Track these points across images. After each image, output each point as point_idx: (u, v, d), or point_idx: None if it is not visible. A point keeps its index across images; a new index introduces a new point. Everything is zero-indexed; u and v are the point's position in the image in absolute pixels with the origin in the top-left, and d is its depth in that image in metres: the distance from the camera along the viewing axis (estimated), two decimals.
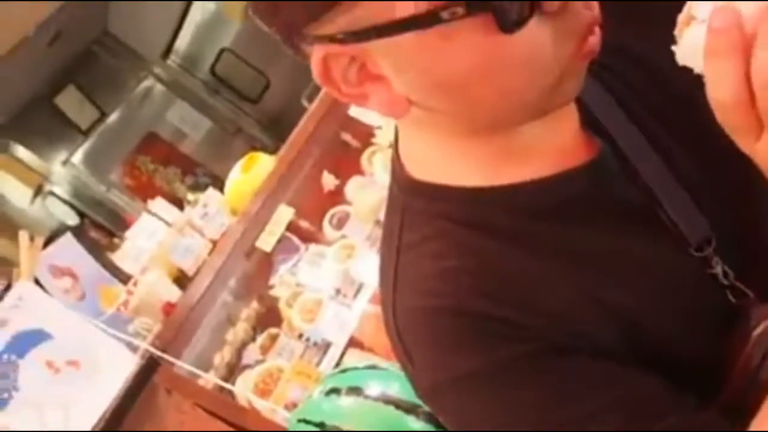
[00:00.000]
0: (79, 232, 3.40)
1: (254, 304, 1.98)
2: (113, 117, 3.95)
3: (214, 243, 1.95)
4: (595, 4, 0.53)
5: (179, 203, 2.22)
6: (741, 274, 0.59)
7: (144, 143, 3.97)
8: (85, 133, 3.90)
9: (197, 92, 4.01)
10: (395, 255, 0.62)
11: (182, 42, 3.96)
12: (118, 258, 1.97)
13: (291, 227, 1.94)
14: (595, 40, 0.53)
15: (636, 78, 0.63)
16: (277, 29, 0.53)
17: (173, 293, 1.86)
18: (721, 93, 0.43)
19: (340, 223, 1.99)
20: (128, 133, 3.96)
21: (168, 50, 3.97)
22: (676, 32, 0.47)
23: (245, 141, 3.94)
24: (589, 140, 0.62)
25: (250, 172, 2.01)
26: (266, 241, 1.85)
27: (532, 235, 0.58)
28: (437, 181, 0.61)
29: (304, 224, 2.06)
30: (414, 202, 0.62)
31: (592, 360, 0.55)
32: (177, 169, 4.06)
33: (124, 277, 1.93)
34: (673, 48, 0.46)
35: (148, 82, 4.00)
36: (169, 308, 1.83)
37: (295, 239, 2.00)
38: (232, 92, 3.99)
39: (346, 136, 2.15)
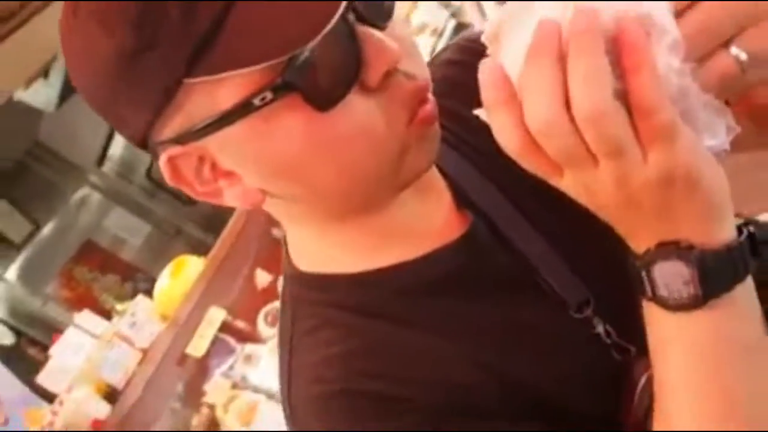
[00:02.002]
0: (12, 352, 3.25)
1: (190, 414, 1.90)
2: (48, 228, 3.87)
3: (145, 352, 1.88)
4: (423, 74, 0.55)
5: (109, 314, 2.15)
6: (621, 330, 0.61)
7: (81, 253, 3.88)
8: (19, 248, 3.80)
9: (134, 197, 3.98)
10: (288, 349, 0.63)
11: (116, 148, 3.95)
12: (43, 377, 1.88)
13: (225, 328, 1.90)
14: (429, 107, 0.55)
15: (482, 144, 0.65)
16: (130, 139, 0.55)
17: (102, 410, 1.77)
18: (506, 144, 0.44)
19: (275, 320, 1.95)
20: (64, 243, 3.88)
21: (102, 157, 3.96)
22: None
23: (186, 242, 3.90)
24: (461, 215, 0.64)
25: (179, 276, 1.98)
26: (197, 346, 1.80)
27: (417, 313, 0.60)
28: (321, 270, 0.62)
29: (238, 324, 2.02)
30: (303, 295, 0.64)
31: (486, 424, 0.56)
32: (116, 276, 3.97)
33: (50, 397, 1.84)
34: (476, 111, 0.47)
35: (83, 191, 3.95)
36: (97, 425, 1.74)
37: (230, 340, 1.95)
38: (169, 195, 3.97)
39: (277, 232, 2.13)
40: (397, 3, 0.55)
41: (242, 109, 0.49)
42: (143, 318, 1.93)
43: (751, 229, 0.48)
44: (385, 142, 0.53)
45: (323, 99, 0.50)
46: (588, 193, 0.45)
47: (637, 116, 0.41)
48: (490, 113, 0.44)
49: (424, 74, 0.56)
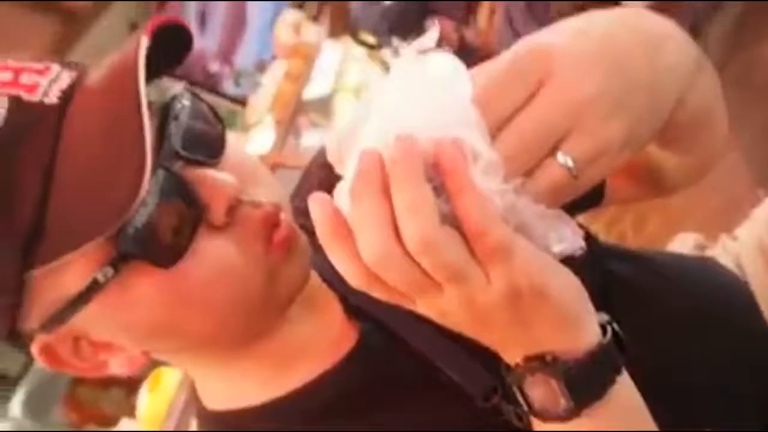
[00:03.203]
0: None
1: None
2: None
3: None
4: (271, 196, 0.54)
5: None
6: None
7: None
8: (16, 382, 3.73)
9: None
10: None
11: None
12: None
13: None
14: (282, 231, 0.54)
15: None
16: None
17: None
18: (348, 278, 0.43)
19: None
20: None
21: None
22: None
23: None
24: (353, 324, 0.62)
25: (158, 390, 1.97)
26: None
27: None
28: (229, 407, 0.62)
29: None
30: None
31: None
32: (120, 390, 3.90)
33: None
34: None
35: None
36: None
37: None
38: None
39: None
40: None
41: (90, 289, 0.49)
42: None
43: (615, 326, 0.47)
44: (246, 276, 0.53)
45: (167, 256, 0.50)
46: (441, 314, 0.45)
47: (470, 238, 0.40)
48: (326, 249, 0.43)
49: (272, 196, 0.55)
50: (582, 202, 0.49)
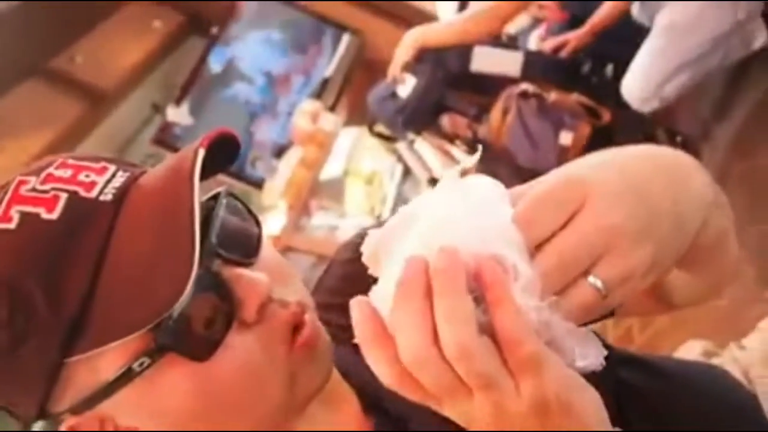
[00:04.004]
0: None
1: None
2: None
3: None
4: (297, 296, 0.56)
5: None
6: None
7: None
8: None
9: None
10: None
11: None
12: None
13: None
14: (306, 331, 0.55)
15: None
16: (26, 418, 0.55)
17: None
18: (383, 378, 0.45)
19: None
20: None
21: None
22: None
23: None
24: (369, 421, 0.63)
25: None
26: None
27: None
28: None
29: None
30: None
31: None
32: None
33: None
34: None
35: None
36: None
37: None
38: None
39: None
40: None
41: (124, 377, 0.51)
42: None
43: None
44: (269, 375, 0.54)
45: (201, 350, 0.52)
46: (469, 421, 0.46)
47: (504, 348, 0.42)
48: (365, 348, 0.45)
49: (298, 296, 0.57)
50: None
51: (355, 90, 3.67)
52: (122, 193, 0.53)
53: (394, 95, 2.54)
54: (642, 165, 0.48)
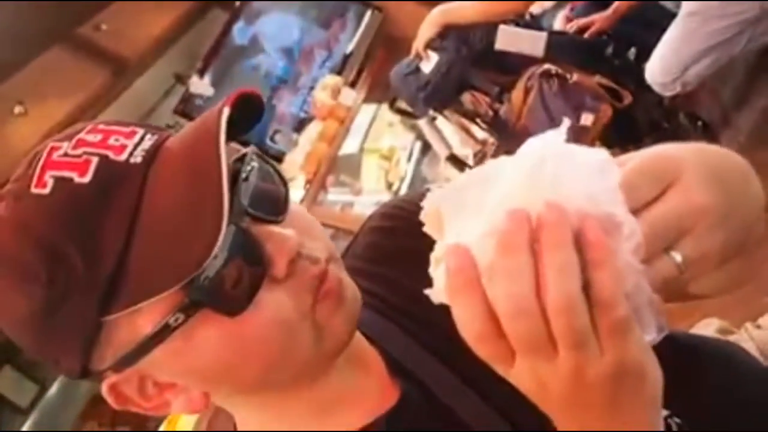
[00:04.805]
0: None
1: None
2: (54, 388, 3.83)
3: None
4: (325, 251, 0.58)
5: None
6: None
7: (90, 407, 3.82)
8: (26, 412, 3.73)
9: None
10: None
11: None
12: None
13: None
14: (328, 284, 0.57)
15: (421, 313, 0.62)
16: (68, 376, 0.58)
17: None
18: (468, 327, 0.45)
19: None
20: (72, 400, 3.82)
21: None
22: (430, 272, 0.49)
23: None
24: (395, 383, 0.65)
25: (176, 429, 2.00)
26: None
27: None
28: None
29: None
30: None
31: None
32: (126, 426, 3.89)
33: None
34: (426, 291, 0.48)
35: None
36: None
37: None
38: None
39: None
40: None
41: (161, 332, 0.53)
42: None
43: (677, 420, 0.52)
44: (298, 327, 0.56)
45: (233, 305, 0.53)
46: (539, 385, 0.46)
47: (598, 310, 0.43)
48: (455, 296, 0.45)
49: (326, 251, 0.59)
50: None
51: (375, 67, 3.68)
52: (151, 155, 0.54)
53: (416, 72, 2.55)
54: (723, 159, 0.52)
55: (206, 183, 0.50)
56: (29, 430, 3.74)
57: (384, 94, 3.09)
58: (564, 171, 0.44)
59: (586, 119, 2.36)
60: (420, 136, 3.52)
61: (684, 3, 2.20)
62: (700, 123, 2.62)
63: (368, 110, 3.65)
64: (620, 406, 0.45)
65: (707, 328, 1.22)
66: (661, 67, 2.30)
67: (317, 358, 0.59)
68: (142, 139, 0.55)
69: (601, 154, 0.46)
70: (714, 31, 2.15)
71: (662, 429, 0.48)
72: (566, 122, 0.47)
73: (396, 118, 3.58)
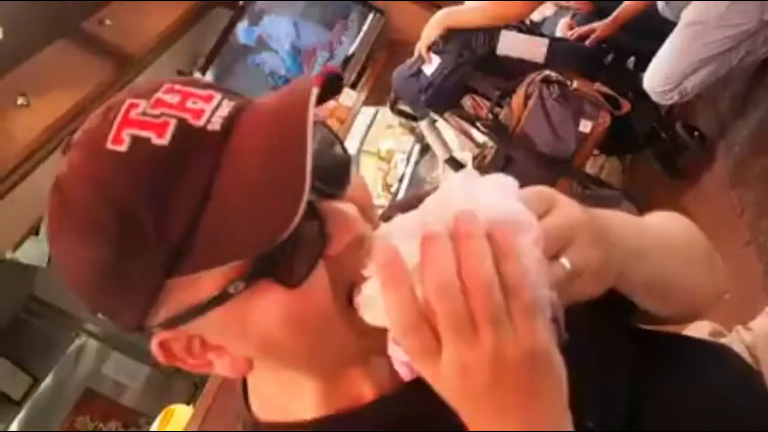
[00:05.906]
0: None
1: None
2: (47, 381, 3.84)
3: None
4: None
5: None
6: None
7: (82, 402, 3.83)
8: (19, 403, 3.75)
9: (131, 340, 3.99)
10: None
11: None
12: None
13: None
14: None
15: None
16: (123, 329, 0.59)
17: None
18: (394, 320, 0.49)
19: None
20: (65, 394, 3.83)
21: None
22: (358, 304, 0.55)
23: (186, 378, 3.89)
24: None
25: (169, 427, 2.01)
26: None
27: None
28: (279, 419, 0.65)
29: None
30: None
31: None
32: (118, 422, 3.91)
33: None
34: (389, 351, 0.55)
35: (80, 340, 3.95)
36: None
37: None
38: None
39: None
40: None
41: (219, 298, 0.53)
42: None
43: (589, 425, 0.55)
44: (343, 306, 0.56)
45: (293, 278, 0.53)
46: (463, 372, 0.48)
47: (508, 294, 0.47)
48: (386, 289, 0.48)
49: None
50: None
51: (376, 69, 3.71)
52: (229, 124, 0.54)
53: (418, 74, 2.58)
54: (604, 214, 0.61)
55: (289, 158, 0.50)
56: (21, 424, 3.74)
57: (384, 96, 3.11)
58: (473, 189, 0.52)
59: (585, 126, 2.40)
60: (418, 139, 3.55)
61: (684, 13, 2.24)
62: (696, 133, 2.66)
63: (367, 112, 3.67)
64: (537, 389, 0.48)
65: (700, 330, 1.24)
66: (659, 76, 2.33)
67: (365, 339, 0.57)
68: (219, 104, 0.55)
69: (503, 177, 0.54)
70: (713, 42, 2.18)
71: (570, 419, 0.50)
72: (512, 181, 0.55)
73: (395, 121, 3.60)
